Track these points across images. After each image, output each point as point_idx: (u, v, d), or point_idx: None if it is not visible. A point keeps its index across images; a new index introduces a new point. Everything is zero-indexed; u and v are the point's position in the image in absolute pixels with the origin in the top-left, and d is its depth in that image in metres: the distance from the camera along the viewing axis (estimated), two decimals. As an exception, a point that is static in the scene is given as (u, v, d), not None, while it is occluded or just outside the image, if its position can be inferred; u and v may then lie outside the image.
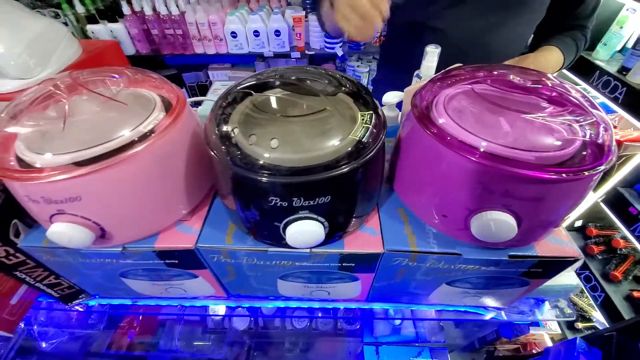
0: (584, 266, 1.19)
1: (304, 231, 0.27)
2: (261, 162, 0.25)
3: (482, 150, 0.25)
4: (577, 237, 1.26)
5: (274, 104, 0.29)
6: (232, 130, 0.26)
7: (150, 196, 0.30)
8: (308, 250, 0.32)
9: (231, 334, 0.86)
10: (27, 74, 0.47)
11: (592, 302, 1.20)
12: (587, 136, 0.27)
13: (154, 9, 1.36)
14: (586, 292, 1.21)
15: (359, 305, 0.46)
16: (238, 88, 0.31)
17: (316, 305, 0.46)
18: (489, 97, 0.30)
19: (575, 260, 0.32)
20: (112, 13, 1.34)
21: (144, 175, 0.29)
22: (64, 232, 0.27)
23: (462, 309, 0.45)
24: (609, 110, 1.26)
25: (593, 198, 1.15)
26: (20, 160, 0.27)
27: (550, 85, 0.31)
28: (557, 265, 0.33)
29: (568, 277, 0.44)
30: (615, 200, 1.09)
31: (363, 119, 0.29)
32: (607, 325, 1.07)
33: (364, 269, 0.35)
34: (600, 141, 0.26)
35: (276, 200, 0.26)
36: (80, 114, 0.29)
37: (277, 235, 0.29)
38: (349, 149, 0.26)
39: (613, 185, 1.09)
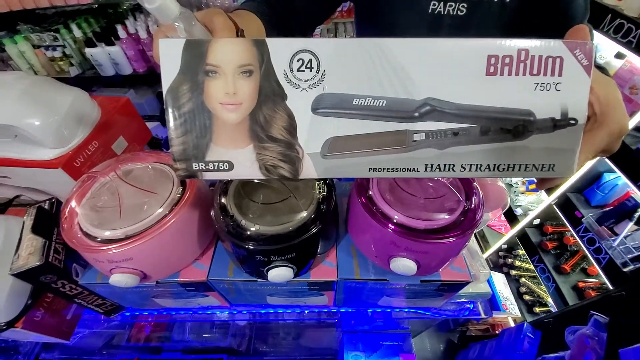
0: (540, 259, 1.36)
1: (280, 274, 0.41)
2: (251, 235, 0.39)
3: (394, 220, 0.40)
4: (535, 233, 1.43)
5: (257, 191, 0.43)
6: (234, 219, 0.40)
7: (176, 248, 0.44)
8: (285, 281, 0.46)
9: (234, 327, 1.02)
10: (63, 143, 0.59)
11: (547, 290, 1.39)
12: (464, 209, 0.41)
13: (148, 31, 1.45)
14: (542, 282, 1.39)
15: (330, 309, 0.61)
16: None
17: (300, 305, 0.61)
18: (402, 183, 0.44)
19: (467, 282, 0.47)
20: (108, 35, 1.43)
21: (173, 236, 0.43)
22: (121, 280, 0.41)
23: (406, 310, 0.61)
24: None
25: (547, 201, 1.31)
26: (84, 233, 0.41)
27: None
28: (455, 285, 0.48)
29: (482, 287, 0.59)
30: (565, 204, 1.25)
31: (319, 188, 0.43)
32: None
33: (326, 289, 0.50)
34: (471, 212, 0.41)
35: (260, 257, 0.40)
36: (124, 199, 0.43)
37: (263, 274, 0.44)
38: (312, 215, 0.40)
39: (563, 191, 1.25)
